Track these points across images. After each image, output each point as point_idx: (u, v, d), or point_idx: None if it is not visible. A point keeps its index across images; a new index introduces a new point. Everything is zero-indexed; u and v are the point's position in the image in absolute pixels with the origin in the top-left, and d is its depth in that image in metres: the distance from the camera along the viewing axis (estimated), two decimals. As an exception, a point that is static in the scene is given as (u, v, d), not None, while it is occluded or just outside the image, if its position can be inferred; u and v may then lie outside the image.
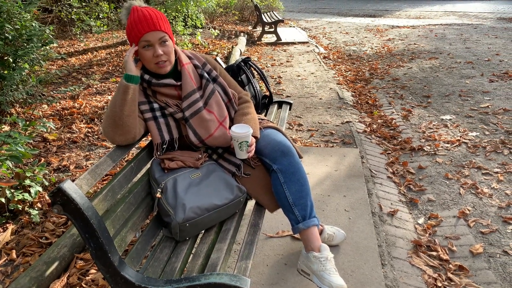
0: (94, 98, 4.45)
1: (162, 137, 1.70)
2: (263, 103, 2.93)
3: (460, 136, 3.64)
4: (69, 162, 3.03)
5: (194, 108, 1.70)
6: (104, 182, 2.76)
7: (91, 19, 5.58)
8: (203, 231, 1.65)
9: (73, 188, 1.25)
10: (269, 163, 1.72)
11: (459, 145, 3.49)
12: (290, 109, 2.96)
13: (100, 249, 1.27)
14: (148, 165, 1.80)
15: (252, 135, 1.72)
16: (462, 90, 4.93)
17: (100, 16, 5.83)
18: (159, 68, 1.63)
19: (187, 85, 1.70)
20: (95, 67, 5.83)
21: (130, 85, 1.56)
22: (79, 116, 3.87)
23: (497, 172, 2.99)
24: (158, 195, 1.59)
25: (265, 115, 2.84)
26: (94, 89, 4.81)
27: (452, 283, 1.99)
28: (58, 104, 4.12)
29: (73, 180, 1.31)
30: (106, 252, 1.27)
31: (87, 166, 2.98)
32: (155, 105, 1.70)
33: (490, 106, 4.31)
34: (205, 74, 1.78)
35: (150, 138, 1.90)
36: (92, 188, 2.65)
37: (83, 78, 5.17)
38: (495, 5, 14.95)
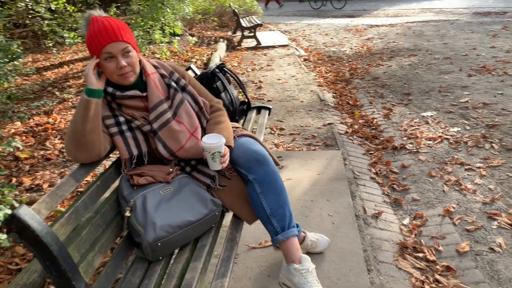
0: (69, 113, 4.32)
1: (130, 152, 1.62)
2: (241, 110, 2.86)
3: (442, 132, 3.63)
4: (42, 180, 2.91)
5: (162, 119, 1.62)
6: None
7: (64, 31, 5.45)
8: (177, 249, 1.57)
9: (30, 214, 1.16)
10: (244, 173, 1.65)
11: (441, 141, 3.47)
12: (269, 114, 2.90)
13: (62, 277, 1.18)
14: (117, 183, 1.71)
15: (225, 145, 1.64)
16: (442, 86, 4.94)
17: (74, 27, 5.71)
18: (123, 79, 1.55)
19: (154, 95, 1.62)
20: (71, 81, 5.69)
21: (91, 99, 1.47)
22: (53, 132, 3.75)
23: (479, 167, 2.97)
24: (127, 213, 1.51)
25: (244, 122, 2.77)
26: (69, 103, 4.68)
27: (440, 285, 1.94)
28: (31, 120, 3.99)
29: (30, 205, 1.22)
30: (69, 280, 1.19)
31: (61, 184, 2.87)
32: (121, 119, 1.62)
33: (469, 101, 4.31)
34: (173, 84, 1.70)
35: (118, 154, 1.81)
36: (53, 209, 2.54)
37: (57, 92, 5.03)
38: (470, 0, 15.18)
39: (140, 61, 1.65)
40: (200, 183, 1.69)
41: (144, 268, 1.48)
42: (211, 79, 2.68)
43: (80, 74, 5.97)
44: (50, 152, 3.37)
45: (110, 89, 1.58)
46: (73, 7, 5.85)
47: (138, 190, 1.56)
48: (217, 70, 2.74)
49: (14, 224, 1.14)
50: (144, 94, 1.62)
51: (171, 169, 1.65)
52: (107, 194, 1.60)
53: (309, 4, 17.85)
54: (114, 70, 1.53)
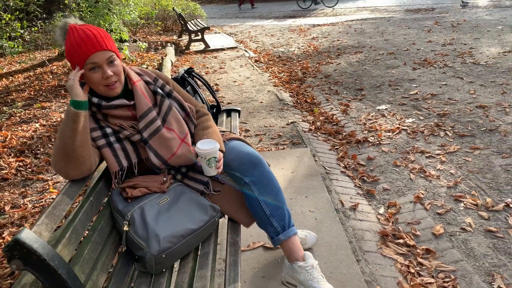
0: (20, 128, 4.04)
1: (120, 164, 1.56)
2: (212, 113, 2.84)
3: (399, 124, 3.83)
4: (2, 202, 2.70)
5: (152, 127, 1.58)
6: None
7: (3, 40, 5.09)
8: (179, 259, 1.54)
9: (33, 238, 1.09)
10: (240, 176, 1.65)
11: (399, 132, 3.66)
12: (239, 116, 2.91)
13: (73, 301, 1.12)
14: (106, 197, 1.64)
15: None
16: (391, 80, 5.21)
17: (13, 36, 5.34)
18: (109, 90, 1.49)
19: (142, 103, 1.57)
20: (14, 94, 5.31)
21: (80, 112, 1.39)
22: (5, 149, 3.48)
23: (438, 154, 3.17)
24: (125, 228, 1.45)
25: (216, 125, 2.76)
26: (17, 118, 4.37)
27: (423, 267, 2.06)
28: (-23, 139, 3.68)
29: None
30: (80, 303, 1.13)
31: (26, 204, 2.68)
32: (108, 130, 1.55)
33: (418, 93, 4.59)
34: (159, 90, 1.66)
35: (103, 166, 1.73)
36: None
37: (4, 107, 4.68)
38: (401, -1, 16.11)
39: (124, 69, 1.59)
40: (193, 190, 1.67)
41: (148, 282, 1.44)
42: (181, 84, 2.65)
43: (23, 86, 5.59)
44: (6, 171, 3.13)
45: (95, 100, 1.51)
46: (9, 15, 5.47)
47: (133, 202, 1.51)
48: (186, 75, 2.71)
49: (17, 250, 1.07)
50: (132, 102, 1.57)
51: (164, 178, 1.61)
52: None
53: (297, 3, 17.03)
54: (100, 80, 1.46)
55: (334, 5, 15.75)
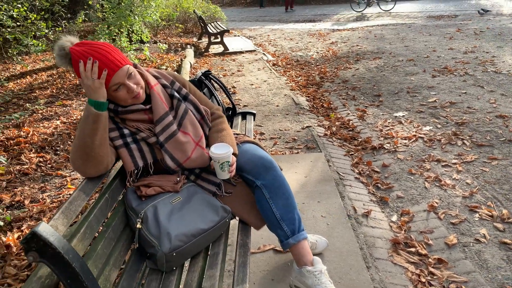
0: (41, 125, 4.16)
1: (135, 164, 1.59)
2: (227, 116, 2.88)
3: (416, 131, 3.79)
4: (22, 196, 2.78)
5: (168, 131, 1.61)
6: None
7: (28, 38, 5.24)
8: (189, 258, 1.56)
9: (49, 231, 1.13)
10: (252, 179, 1.67)
11: (416, 140, 3.63)
12: (254, 119, 2.93)
13: (85, 294, 1.15)
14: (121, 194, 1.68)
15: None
16: (409, 87, 5.17)
17: (38, 35, 5.50)
18: (137, 100, 1.54)
19: (159, 108, 1.61)
20: (37, 91, 5.47)
21: (102, 113, 1.43)
22: (27, 145, 3.59)
23: (455, 163, 3.13)
24: (138, 225, 1.49)
25: (231, 127, 2.79)
26: (39, 114, 4.50)
27: (434, 277, 2.04)
28: (1, 134, 3.80)
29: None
30: (92, 297, 1.16)
31: (44, 199, 2.76)
32: (126, 131, 1.59)
33: (437, 100, 4.54)
34: (176, 94, 1.70)
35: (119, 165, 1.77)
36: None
37: (27, 104, 4.83)
38: (423, 5, 15.92)
39: (142, 74, 1.63)
40: (206, 191, 1.70)
41: (159, 279, 1.47)
42: (198, 86, 2.69)
43: (45, 84, 5.75)
44: (27, 166, 3.22)
45: (111, 106, 1.55)
46: (35, 15, 5.64)
47: (147, 201, 1.55)
48: (203, 77, 2.75)
49: (34, 243, 1.11)
50: (148, 106, 1.61)
51: (178, 178, 1.64)
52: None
53: (350, 6, 16.18)
54: (127, 95, 1.51)
55: (391, 9, 14.77)
